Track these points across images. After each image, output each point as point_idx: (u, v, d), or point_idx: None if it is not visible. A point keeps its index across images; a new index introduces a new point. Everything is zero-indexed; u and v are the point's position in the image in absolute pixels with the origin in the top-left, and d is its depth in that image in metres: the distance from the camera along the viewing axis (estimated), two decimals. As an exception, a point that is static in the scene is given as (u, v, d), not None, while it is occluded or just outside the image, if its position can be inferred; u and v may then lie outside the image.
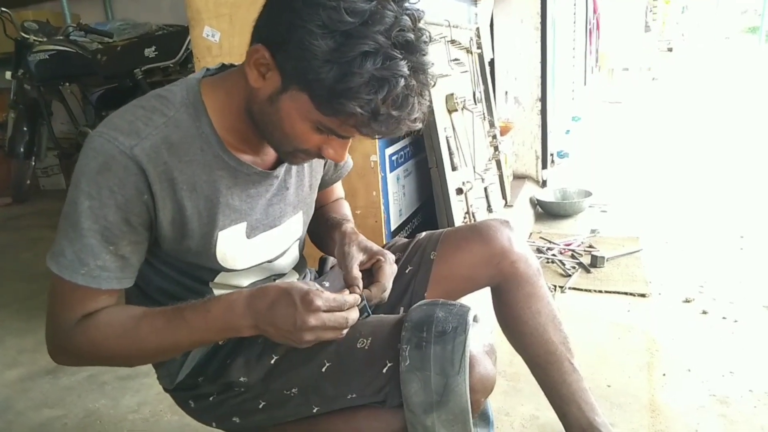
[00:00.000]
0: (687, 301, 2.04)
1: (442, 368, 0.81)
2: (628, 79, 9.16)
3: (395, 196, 1.87)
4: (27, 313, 2.23)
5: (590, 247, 2.56)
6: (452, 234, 1.14)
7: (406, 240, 1.18)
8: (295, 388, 0.89)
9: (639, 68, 9.89)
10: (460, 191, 2.02)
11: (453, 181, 1.96)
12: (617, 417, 1.43)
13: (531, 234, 2.83)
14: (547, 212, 3.12)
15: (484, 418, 1.11)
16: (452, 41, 2.13)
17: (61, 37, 3.28)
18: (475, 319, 0.87)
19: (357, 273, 0.88)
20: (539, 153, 3.34)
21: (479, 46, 2.48)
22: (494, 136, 2.56)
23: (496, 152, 2.57)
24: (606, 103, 7.35)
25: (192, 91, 0.82)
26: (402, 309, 1.08)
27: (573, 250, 2.52)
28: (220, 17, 1.67)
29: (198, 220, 0.83)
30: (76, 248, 0.75)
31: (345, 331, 0.77)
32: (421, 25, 0.73)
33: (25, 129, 3.63)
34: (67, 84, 3.58)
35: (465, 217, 2.05)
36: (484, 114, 2.46)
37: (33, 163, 3.84)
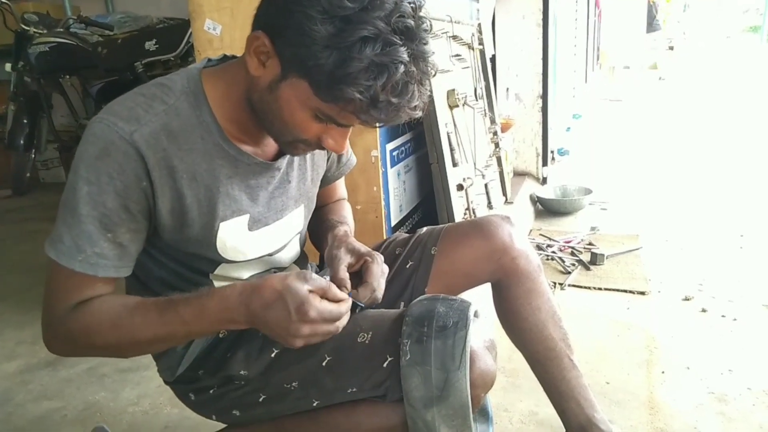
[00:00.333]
0: (686, 299, 2.04)
1: (442, 363, 0.81)
2: (629, 77, 9.15)
3: (396, 192, 1.87)
4: (26, 305, 2.23)
5: (590, 244, 2.56)
6: (453, 229, 1.14)
7: (407, 235, 1.18)
8: (296, 382, 0.89)
9: (641, 66, 9.88)
10: (460, 187, 2.01)
11: (454, 177, 1.96)
12: (616, 414, 1.43)
13: (531, 231, 2.83)
14: (547, 209, 3.12)
15: (483, 413, 1.11)
16: (454, 37, 2.12)
17: (61, 30, 3.26)
18: (475, 315, 0.87)
19: (344, 275, 0.87)
20: (540, 150, 3.34)
21: (481, 42, 2.47)
22: (495, 133, 2.56)
23: (497, 149, 2.57)
24: (606, 100, 7.34)
25: (193, 80, 0.82)
26: (402, 304, 1.08)
27: (573, 248, 2.52)
28: (221, 10, 1.67)
29: (198, 209, 0.82)
30: (74, 234, 0.75)
31: (336, 333, 0.77)
32: (421, 13, 0.72)
33: (25, 121, 3.63)
34: (68, 76, 3.57)
35: (465, 214, 2.04)
36: (485, 110, 2.46)
37: (33, 156, 3.83)
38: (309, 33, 0.67)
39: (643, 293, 2.10)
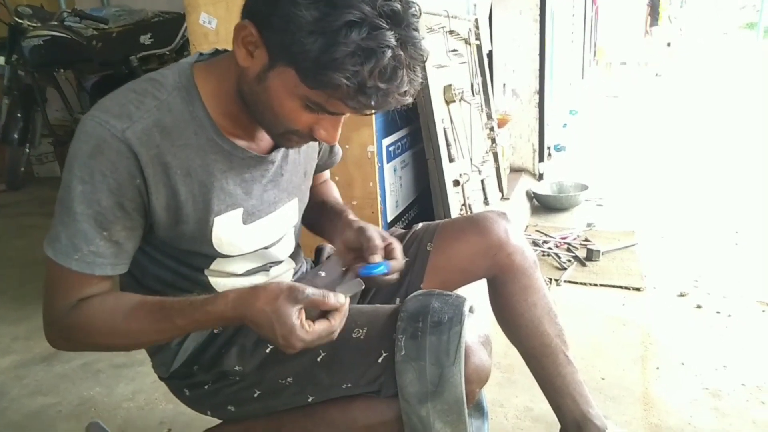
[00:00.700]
0: (681, 295, 2.05)
1: (437, 358, 0.81)
2: (626, 74, 9.15)
3: (392, 187, 1.87)
4: (21, 300, 2.22)
5: (586, 240, 2.56)
6: (449, 225, 1.13)
7: (403, 231, 1.18)
8: (290, 378, 0.89)
9: (637, 63, 9.88)
10: (456, 183, 2.01)
11: (450, 172, 1.96)
12: (611, 409, 1.43)
13: (527, 227, 2.84)
14: (543, 205, 3.12)
15: (478, 408, 1.11)
16: (451, 32, 2.12)
17: (55, 23, 3.23)
18: (470, 310, 0.87)
19: (380, 242, 0.91)
20: (536, 146, 3.34)
21: (478, 38, 2.46)
22: (492, 129, 2.56)
23: (494, 144, 2.57)
24: (603, 97, 7.35)
25: (184, 74, 0.81)
26: (398, 300, 1.08)
27: (569, 244, 2.52)
28: (216, 4, 1.66)
29: (193, 205, 0.82)
30: (70, 233, 0.75)
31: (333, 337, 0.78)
32: None
33: (19, 115, 3.60)
34: (62, 70, 3.54)
35: (461, 209, 2.04)
36: (481, 106, 2.46)
37: (27, 150, 3.80)
38: (294, 19, 0.67)
39: (638, 289, 2.11)
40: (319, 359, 0.87)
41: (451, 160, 1.97)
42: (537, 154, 3.35)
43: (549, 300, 1.14)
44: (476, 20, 2.48)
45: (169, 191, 0.79)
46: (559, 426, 1.15)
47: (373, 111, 0.74)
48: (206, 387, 0.95)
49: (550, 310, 1.14)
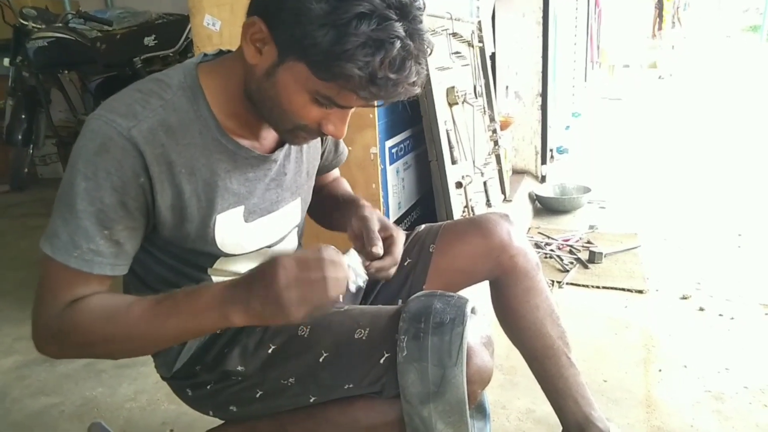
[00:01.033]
0: (684, 297, 2.05)
1: (439, 359, 0.81)
2: (629, 76, 9.14)
3: (395, 189, 1.87)
4: (24, 301, 2.22)
5: (588, 242, 2.56)
6: (452, 227, 1.14)
7: (406, 232, 1.18)
8: (293, 378, 0.89)
9: (640, 66, 9.87)
10: (459, 185, 2.01)
11: (452, 174, 1.96)
12: (613, 412, 1.43)
13: (529, 229, 2.83)
14: (545, 208, 3.12)
15: (480, 410, 1.11)
16: (454, 34, 2.12)
17: (60, 25, 3.25)
18: (473, 311, 0.87)
19: (378, 234, 0.89)
20: (539, 148, 3.34)
21: (481, 40, 2.47)
22: (494, 131, 2.56)
23: (496, 147, 2.57)
24: (606, 99, 7.34)
25: (189, 74, 0.81)
26: (400, 301, 1.07)
27: (571, 246, 2.52)
28: (221, 6, 1.66)
29: (196, 204, 0.82)
30: (70, 230, 0.74)
31: (332, 290, 0.71)
32: None
33: (23, 117, 3.60)
34: (66, 72, 3.56)
35: (464, 211, 2.04)
36: (484, 108, 2.46)
37: (31, 151, 3.81)
38: (304, 12, 0.68)
39: (641, 292, 2.10)
40: (321, 360, 0.87)
41: (453, 162, 1.98)
42: (539, 156, 3.35)
43: (551, 302, 1.14)
44: (479, 22, 2.48)
45: (173, 190, 0.80)
46: (561, 428, 1.15)
47: (383, 102, 0.75)
48: (208, 387, 0.95)
49: (552, 312, 1.14)
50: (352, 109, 0.80)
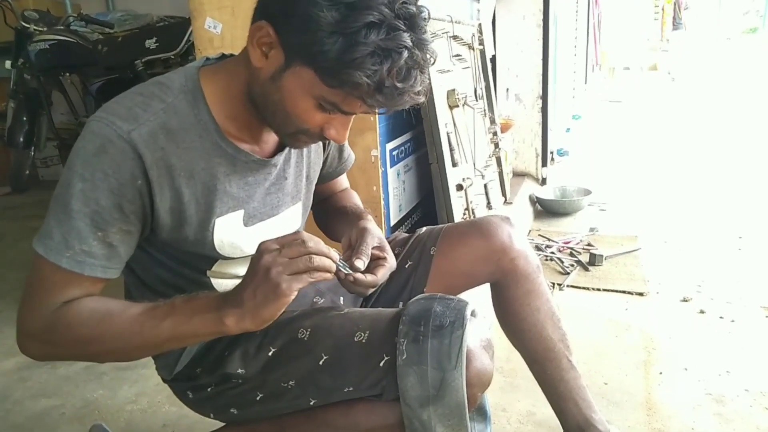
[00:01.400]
0: (685, 300, 2.04)
1: (438, 362, 0.81)
2: (629, 78, 9.15)
3: (395, 192, 1.87)
4: (25, 302, 2.23)
5: (589, 245, 2.56)
6: (452, 229, 1.14)
7: (406, 235, 1.18)
8: (293, 381, 0.89)
9: (640, 67, 9.87)
10: (460, 187, 2.01)
11: (453, 177, 1.96)
12: (614, 414, 1.43)
13: (530, 231, 2.83)
14: (546, 210, 3.12)
15: (481, 413, 1.11)
16: (454, 37, 2.12)
17: (61, 27, 3.26)
18: (473, 314, 0.87)
19: (369, 251, 0.87)
20: (539, 151, 3.34)
21: (481, 43, 2.47)
22: (495, 133, 2.56)
23: (497, 149, 2.57)
24: (606, 101, 7.34)
25: (191, 78, 0.82)
26: (401, 303, 1.08)
27: (572, 248, 2.52)
28: (222, 9, 1.67)
29: (195, 207, 0.83)
30: (64, 230, 0.74)
31: (317, 260, 0.71)
32: (419, 3, 0.74)
33: (24, 119, 3.62)
34: (68, 74, 3.57)
35: (464, 214, 2.05)
36: (485, 110, 2.46)
37: (32, 153, 3.82)
38: (315, 20, 0.68)
39: (641, 294, 2.10)
40: (321, 363, 0.87)
41: (454, 164, 1.98)
42: (540, 158, 3.35)
43: (552, 305, 1.14)
44: (480, 25, 2.48)
45: (173, 193, 0.80)
46: (561, 431, 1.15)
47: (388, 110, 0.76)
48: (209, 390, 0.95)
49: (553, 314, 1.14)
50: (355, 115, 0.80)
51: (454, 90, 2.01)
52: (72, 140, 3.65)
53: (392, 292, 1.12)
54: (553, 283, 2.21)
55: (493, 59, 2.95)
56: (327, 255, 0.73)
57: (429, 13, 0.75)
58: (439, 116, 1.88)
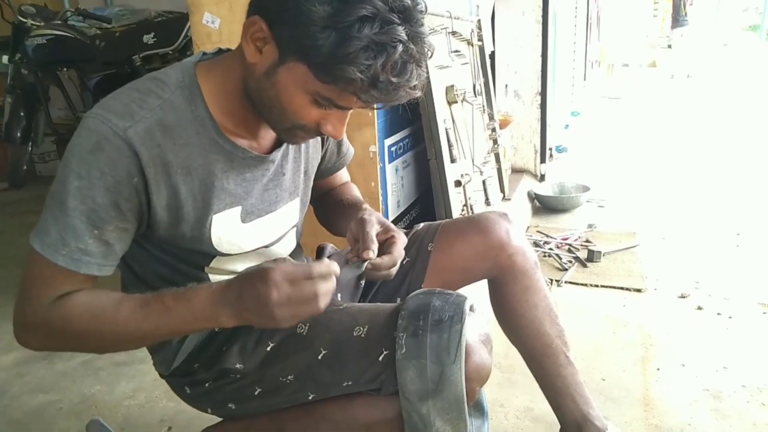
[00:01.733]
0: (682, 296, 2.05)
1: (437, 357, 0.81)
2: (628, 75, 9.15)
3: (393, 187, 1.87)
4: (23, 298, 2.22)
5: (587, 241, 2.56)
6: (450, 225, 1.14)
7: (405, 231, 1.18)
8: (291, 376, 0.89)
9: (639, 64, 9.87)
10: (458, 183, 2.01)
11: (452, 173, 1.96)
12: (611, 410, 1.43)
13: (528, 228, 2.84)
14: (544, 206, 3.12)
15: (478, 408, 1.11)
16: (453, 32, 2.12)
17: (59, 22, 3.25)
18: (471, 309, 0.87)
19: (374, 237, 0.88)
20: (538, 147, 3.34)
21: (480, 38, 2.47)
22: (493, 129, 2.56)
23: (495, 145, 2.57)
24: (605, 98, 7.34)
25: (187, 73, 0.81)
26: (399, 299, 1.08)
27: (570, 245, 2.52)
28: (219, 3, 1.66)
29: (192, 204, 0.82)
30: (60, 227, 0.74)
31: (322, 303, 0.73)
32: None
33: (22, 114, 3.60)
34: (65, 69, 3.56)
35: (463, 210, 2.05)
36: (483, 107, 2.46)
37: (30, 149, 3.81)
38: (307, 14, 0.67)
39: (639, 290, 2.11)
40: (319, 357, 0.87)
41: (452, 160, 1.98)
42: (539, 155, 3.35)
43: (550, 301, 1.14)
44: (479, 21, 2.48)
45: (169, 190, 0.80)
46: (559, 426, 1.16)
47: (384, 105, 0.75)
48: (207, 385, 0.95)
49: (551, 311, 1.14)
50: (351, 110, 0.80)
51: (452, 86, 2.01)
52: (69, 136, 3.64)
53: (390, 287, 1.12)
54: (551, 280, 2.21)
55: (492, 55, 2.95)
56: (333, 286, 0.74)
57: (425, 5, 0.74)
58: (438, 112, 1.88)
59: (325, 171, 1.11)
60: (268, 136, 0.89)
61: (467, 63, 2.30)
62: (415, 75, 0.72)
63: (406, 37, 0.69)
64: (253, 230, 0.91)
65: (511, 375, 1.59)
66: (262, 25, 0.73)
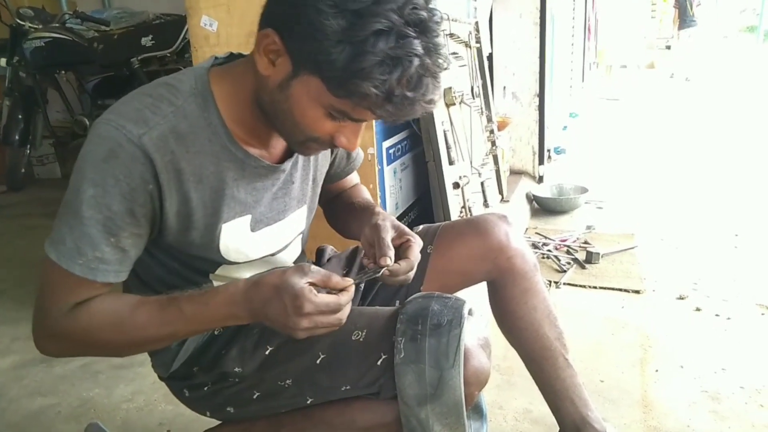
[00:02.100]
0: (681, 298, 2.05)
1: (436, 361, 0.81)
2: (626, 76, 9.16)
3: (392, 190, 1.87)
4: (21, 301, 2.22)
5: (585, 243, 2.56)
6: (449, 228, 1.14)
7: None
8: (290, 380, 0.89)
9: (637, 66, 9.88)
10: (456, 185, 2.02)
11: (450, 175, 1.96)
12: (610, 412, 1.43)
13: (527, 229, 2.84)
14: (543, 208, 3.12)
15: (477, 410, 1.11)
16: (451, 35, 2.12)
17: (57, 25, 3.25)
18: (470, 313, 0.87)
19: (390, 244, 0.88)
20: (536, 149, 3.34)
21: (478, 41, 2.47)
22: (491, 131, 2.56)
23: (493, 147, 2.57)
24: (603, 99, 7.35)
25: (200, 80, 0.80)
26: (398, 302, 1.08)
27: (568, 246, 2.52)
28: (217, 6, 1.66)
29: (203, 211, 0.82)
30: (76, 236, 0.74)
31: (339, 326, 0.76)
32: (432, 5, 0.71)
33: (20, 117, 3.60)
34: (63, 72, 3.55)
35: (461, 212, 2.05)
36: (481, 109, 2.46)
37: (28, 151, 3.81)
38: (320, 28, 0.66)
39: (637, 292, 2.11)
40: (318, 361, 0.87)
41: (451, 162, 1.98)
42: (537, 156, 3.35)
43: (549, 303, 1.14)
44: (476, 23, 2.48)
45: (181, 197, 0.79)
46: (558, 429, 1.16)
47: (398, 119, 0.74)
48: (206, 388, 0.95)
49: (550, 313, 1.14)
50: (365, 122, 0.79)
51: (450, 88, 2.01)
52: (68, 138, 3.67)
53: (389, 291, 1.12)
54: (550, 281, 2.21)
55: (490, 57, 2.95)
56: (349, 310, 0.77)
57: (442, 16, 0.73)
58: (436, 115, 1.88)
59: (334, 176, 1.10)
60: (278, 145, 0.88)
61: (465, 65, 2.31)
62: (431, 89, 0.71)
63: (422, 51, 0.68)
64: (261, 239, 0.91)
65: (509, 377, 1.59)
66: (276, 38, 0.72)
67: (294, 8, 0.69)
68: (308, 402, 0.89)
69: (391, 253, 0.86)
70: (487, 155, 2.49)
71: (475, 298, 1.22)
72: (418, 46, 0.67)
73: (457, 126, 2.08)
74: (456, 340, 0.81)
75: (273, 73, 0.75)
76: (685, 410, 1.45)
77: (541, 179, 3.38)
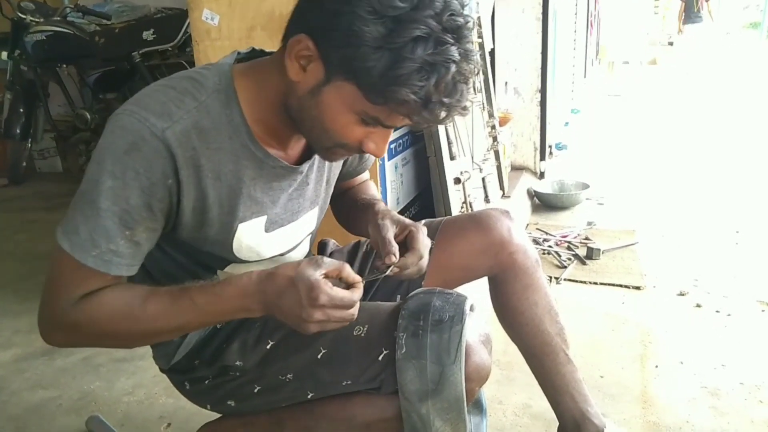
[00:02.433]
0: (681, 294, 2.05)
1: (438, 357, 0.81)
2: (628, 72, 9.14)
3: (393, 185, 1.87)
4: (22, 294, 2.22)
5: (586, 239, 2.56)
6: (451, 223, 1.13)
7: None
8: (291, 374, 0.89)
9: (639, 62, 9.86)
10: (458, 181, 2.02)
11: (451, 170, 1.96)
12: (610, 407, 1.44)
13: (528, 225, 2.84)
14: (544, 204, 3.12)
15: (477, 405, 1.12)
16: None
17: (58, 18, 3.24)
18: (471, 309, 0.87)
19: (392, 240, 0.87)
20: (538, 144, 3.34)
21: (480, 36, 2.46)
22: (493, 127, 2.56)
23: (495, 143, 2.57)
24: (605, 95, 7.34)
25: (224, 77, 0.79)
26: (399, 297, 1.08)
27: (569, 242, 2.52)
28: (219, 0, 1.66)
29: (218, 209, 0.81)
30: (91, 227, 0.73)
31: (350, 321, 0.77)
32: (465, 11, 0.71)
33: (21, 110, 3.61)
34: (65, 66, 3.55)
35: (462, 207, 2.05)
36: (483, 104, 2.46)
37: (29, 145, 3.81)
38: (359, 34, 0.66)
39: (638, 288, 2.11)
40: (319, 356, 0.87)
41: (452, 157, 1.98)
42: (538, 152, 3.35)
43: (550, 299, 1.14)
44: (478, 18, 2.48)
45: (198, 193, 0.79)
46: (557, 424, 1.16)
47: (433, 125, 0.74)
48: (207, 381, 0.95)
49: (551, 309, 1.14)
50: (395, 128, 0.78)
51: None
52: (69, 132, 3.67)
53: (390, 286, 1.12)
54: (551, 277, 2.22)
55: (492, 53, 2.95)
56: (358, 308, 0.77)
57: (474, 22, 0.73)
58: (438, 110, 1.87)
59: (345, 175, 1.10)
60: (297, 146, 0.88)
61: (467, 60, 2.30)
62: (465, 95, 0.71)
63: (458, 57, 0.68)
64: (274, 239, 0.90)
65: (510, 372, 1.60)
66: (309, 44, 0.71)
67: (331, 14, 0.68)
68: (309, 396, 0.89)
69: (395, 249, 0.86)
70: (488, 151, 2.49)
71: (476, 293, 1.22)
72: (455, 52, 0.67)
73: (458, 121, 2.08)
74: (457, 336, 0.81)
75: (303, 78, 0.74)
76: (685, 406, 1.45)
77: (542, 175, 3.38)
